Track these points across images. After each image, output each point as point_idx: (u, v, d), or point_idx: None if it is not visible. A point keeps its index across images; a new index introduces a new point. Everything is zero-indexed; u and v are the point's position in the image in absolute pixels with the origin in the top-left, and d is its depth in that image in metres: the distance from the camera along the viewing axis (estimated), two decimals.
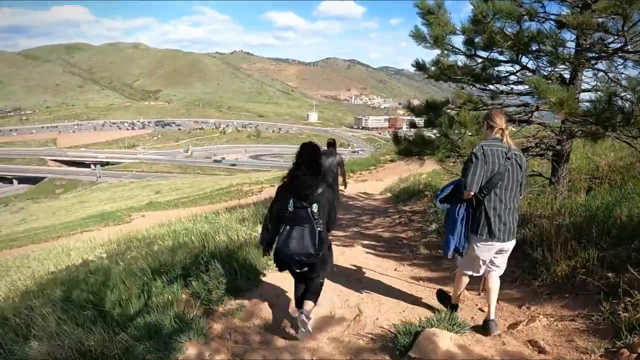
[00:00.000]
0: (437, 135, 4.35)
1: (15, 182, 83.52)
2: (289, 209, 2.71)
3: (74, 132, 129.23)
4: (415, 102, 5.39)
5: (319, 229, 2.70)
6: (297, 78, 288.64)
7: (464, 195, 2.59)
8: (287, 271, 2.90)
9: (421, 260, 4.36)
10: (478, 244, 2.64)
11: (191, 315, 2.99)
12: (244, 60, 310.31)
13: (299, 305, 2.93)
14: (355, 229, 5.90)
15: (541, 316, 2.81)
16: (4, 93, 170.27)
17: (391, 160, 22.19)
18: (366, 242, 5.10)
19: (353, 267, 4.17)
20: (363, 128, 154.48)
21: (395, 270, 4.12)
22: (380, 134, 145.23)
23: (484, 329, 2.71)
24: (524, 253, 3.60)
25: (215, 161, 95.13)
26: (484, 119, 2.79)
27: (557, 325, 2.71)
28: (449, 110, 4.60)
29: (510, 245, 2.68)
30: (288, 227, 2.69)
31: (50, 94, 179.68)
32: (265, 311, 3.25)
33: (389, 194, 9.83)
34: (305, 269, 2.77)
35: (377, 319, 3.05)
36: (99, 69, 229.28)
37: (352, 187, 11.39)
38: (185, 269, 3.60)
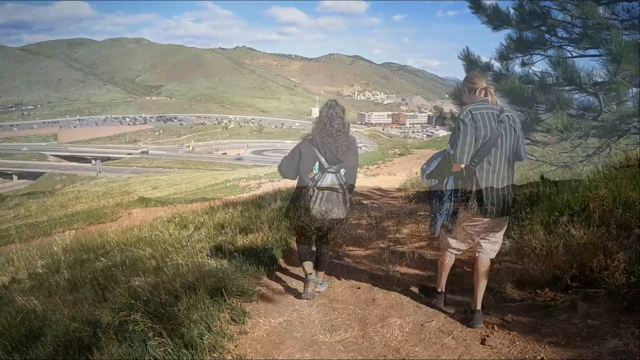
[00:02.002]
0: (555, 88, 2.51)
1: (15, 177, 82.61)
2: (314, 171, 2.57)
3: (75, 127, 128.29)
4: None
5: (349, 194, 2.63)
6: (300, 74, 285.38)
7: (452, 167, 2.25)
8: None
9: (517, 314, 2.37)
10: (465, 218, 2.35)
11: None
12: (247, 55, 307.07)
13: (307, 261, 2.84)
14: (380, 244, 4.04)
15: None
16: (6, 88, 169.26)
17: (400, 154, 20.93)
18: (404, 270, 3.23)
19: (404, 340, 2.30)
20: (366, 124, 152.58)
21: (482, 344, 2.19)
22: (383, 129, 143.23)
23: (468, 321, 2.41)
24: None
25: (143, 152, 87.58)
26: (463, 86, 2.48)
27: None
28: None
29: (504, 220, 2.35)
30: (317, 190, 2.56)
31: (52, 89, 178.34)
32: None
33: (410, 190, 8.10)
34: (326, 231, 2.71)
35: None
36: (101, 64, 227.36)
37: (363, 182, 9.91)
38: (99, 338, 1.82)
